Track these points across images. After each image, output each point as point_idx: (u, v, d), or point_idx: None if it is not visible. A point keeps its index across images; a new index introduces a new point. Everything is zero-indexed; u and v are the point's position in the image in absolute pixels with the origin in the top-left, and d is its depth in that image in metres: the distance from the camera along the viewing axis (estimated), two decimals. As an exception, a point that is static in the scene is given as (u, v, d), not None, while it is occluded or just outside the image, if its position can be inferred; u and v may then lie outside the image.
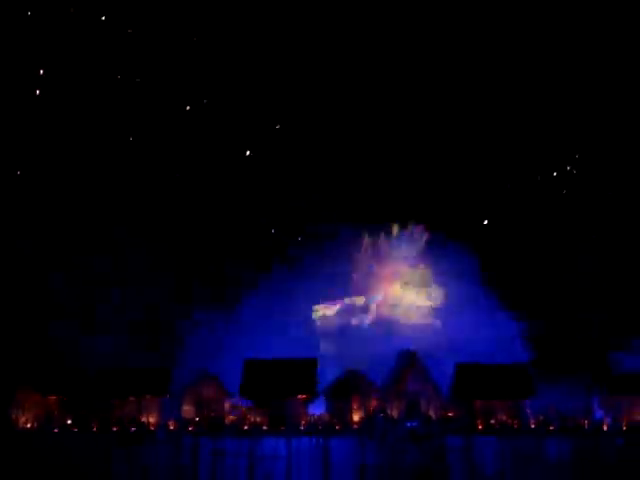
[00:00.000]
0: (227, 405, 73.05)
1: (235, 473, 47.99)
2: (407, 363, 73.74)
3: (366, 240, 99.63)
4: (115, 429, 66.89)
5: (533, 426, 65.48)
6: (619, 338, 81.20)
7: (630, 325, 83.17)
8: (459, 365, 72.78)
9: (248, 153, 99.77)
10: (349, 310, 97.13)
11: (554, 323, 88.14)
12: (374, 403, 70.39)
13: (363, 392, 71.89)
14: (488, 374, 71.63)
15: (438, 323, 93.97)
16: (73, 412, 70.60)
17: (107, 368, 74.76)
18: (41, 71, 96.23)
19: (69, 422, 69.85)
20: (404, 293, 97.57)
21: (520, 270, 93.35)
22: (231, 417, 73.22)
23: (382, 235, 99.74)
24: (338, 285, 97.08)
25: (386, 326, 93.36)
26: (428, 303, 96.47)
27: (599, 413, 68.68)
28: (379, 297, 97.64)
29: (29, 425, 69.68)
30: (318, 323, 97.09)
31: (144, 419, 70.63)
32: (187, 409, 72.80)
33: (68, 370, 74.34)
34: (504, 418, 68.97)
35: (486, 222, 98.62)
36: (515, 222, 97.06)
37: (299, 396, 71.57)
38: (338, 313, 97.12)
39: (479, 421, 65.20)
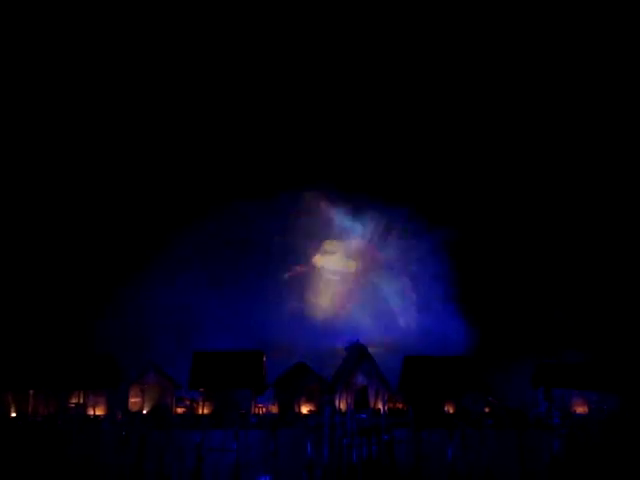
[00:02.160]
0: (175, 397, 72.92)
1: (182, 466, 47.51)
2: (356, 356, 74.13)
3: None
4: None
5: (480, 418, 66.28)
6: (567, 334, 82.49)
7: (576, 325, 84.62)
8: (407, 358, 73.42)
9: None
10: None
11: (502, 316, 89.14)
12: (322, 396, 70.74)
13: (311, 385, 72.18)
14: (435, 367, 72.42)
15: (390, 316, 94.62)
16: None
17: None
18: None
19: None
20: None
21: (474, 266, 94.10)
22: (179, 409, 72.97)
23: None
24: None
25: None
26: None
27: (543, 405, 69.91)
28: None
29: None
30: None
31: (91, 412, 70.02)
32: (134, 401, 72.34)
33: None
34: (450, 410, 69.91)
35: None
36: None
37: (247, 388, 71.68)
38: None
39: (426, 414, 65.84)
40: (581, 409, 70.05)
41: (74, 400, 71.31)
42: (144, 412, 70.19)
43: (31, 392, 70.22)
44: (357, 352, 74.42)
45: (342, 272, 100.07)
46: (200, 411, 70.85)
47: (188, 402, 73.63)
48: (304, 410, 70.94)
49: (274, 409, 72.11)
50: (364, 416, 61.66)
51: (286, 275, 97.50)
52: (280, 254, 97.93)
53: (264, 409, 72.82)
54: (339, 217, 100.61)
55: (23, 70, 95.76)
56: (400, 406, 71.47)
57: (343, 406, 68.93)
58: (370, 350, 75.13)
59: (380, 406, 69.32)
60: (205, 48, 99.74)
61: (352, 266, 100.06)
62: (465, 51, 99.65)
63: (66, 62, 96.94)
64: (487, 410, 71.07)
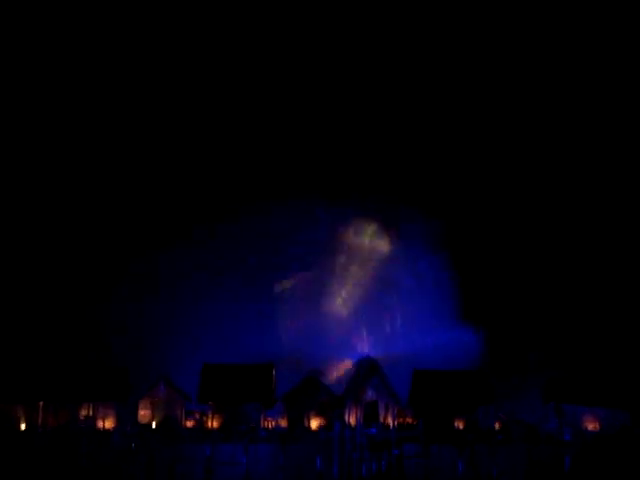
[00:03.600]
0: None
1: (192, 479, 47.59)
2: (366, 370, 74.09)
3: None
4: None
5: (490, 433, 66.05)
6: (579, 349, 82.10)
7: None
8: (416, 371, 73.16)
9: None
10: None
11: (512, 330, 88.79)
12: (332, 410, 70.69)
13: (321, 399, 72.15)
14: (445, 381, 72.11)
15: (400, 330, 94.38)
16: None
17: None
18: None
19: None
20: None
21: (482, 278, 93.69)
22: (188, 422, 73.03)
23: None
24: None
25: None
26: None
27: (554, 420, 69.56)
28: None
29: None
30: None
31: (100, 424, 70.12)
32: (143, 414, 72.44)
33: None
34: (460, 425, 69.65)
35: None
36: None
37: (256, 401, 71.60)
38: None
39: (436, 428, 65.64)
40: (592, 425, 69.69)
41: (84, 412, 71.39)
42: (153, 425, 70.24)
43: (41, 404, 70.27)
44: (367, 366, 74.42)
45: (351, 284, 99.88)
46: (209, 424, 70.84)
47: (198, 415, 73.67)
48: (314, 424, 70.89)
49: (283, 423, 72.08)
50: (374, 430, 61.44)
51: (290, 286, 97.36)
52: (288, 266, 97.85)
53: (273, 423, 72.77)
54: (346, 229, 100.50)
55: (22, 70, 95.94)
56: (410, 420, 71.32)
57: (353, 420, 68.76)
58: (380, 364, 75.11)
59: (390, 420, 69.14)
60: (219, 63, 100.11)
61: (360, 278, 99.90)
62: (459, 50, 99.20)
63: (65, 63, 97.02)
64: (497, 425, 70.77)
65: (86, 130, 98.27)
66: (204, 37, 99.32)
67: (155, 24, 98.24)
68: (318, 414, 71.49)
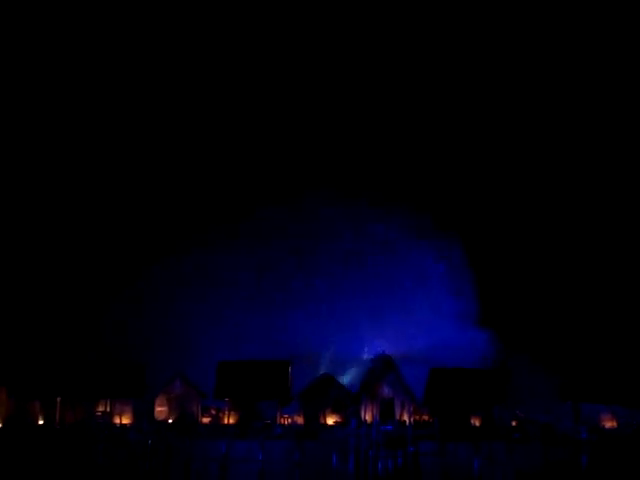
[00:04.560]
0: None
1: (207, 476, 47.75)
2: (382, 368, 73.91)
3: None
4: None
5: (505, 432, 65.79)
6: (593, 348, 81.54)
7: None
8: (432, 370, 73.03)
9: None
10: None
11: (528, 329, 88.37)
12: (348, 407, 70.62)
13: (337, 396, 72.07)
14: (461, 379, 71.94)
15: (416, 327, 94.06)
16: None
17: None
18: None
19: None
20: None
21: (497, 278, 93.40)
22: (204, 419, 73.13)
23: None
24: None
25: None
26: None
27: (571, 419, 69.22)
28: None
29: None
30: None
31: (117, 420, 70.40)
32: (160, 410, 72.63)
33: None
34: (477, 423, 69.42)
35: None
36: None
37: (272, 398, 71.73)
38: None
39: (452, 426, 65.45)
40: (610, 424, 69.22)
41: (101, 408, 71.77)
42: (170, 421, 70.44)
43: (58, 400, 70.71)
44: (383, 363, 74.24)
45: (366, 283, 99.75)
46: (226, 421, 70.99)
47: (214, 412, 73.76)
48: (329, 421, 70.81)
49: (299, 420, 72.07)
50: (390, 428, 61.51)
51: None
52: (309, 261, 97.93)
53: (289, 420, 72.79)
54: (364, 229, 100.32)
55: (21, 70, 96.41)
56: (426, 418, 71.07)
57: (369, 417, 68.75)
58: (395, 361, 74.91)
59: (406, 418, 69.02)
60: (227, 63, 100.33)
61: (377, 277, 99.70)
62: (461, 50, 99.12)
63: (66, 64, 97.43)
64: (514, 423, 70.50)
65: (105, 136, 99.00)
66: (216, 40, 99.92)
67: (157, 27, 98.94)
68: (334, 411, 71.44)
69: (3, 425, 68.85)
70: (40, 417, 70.27)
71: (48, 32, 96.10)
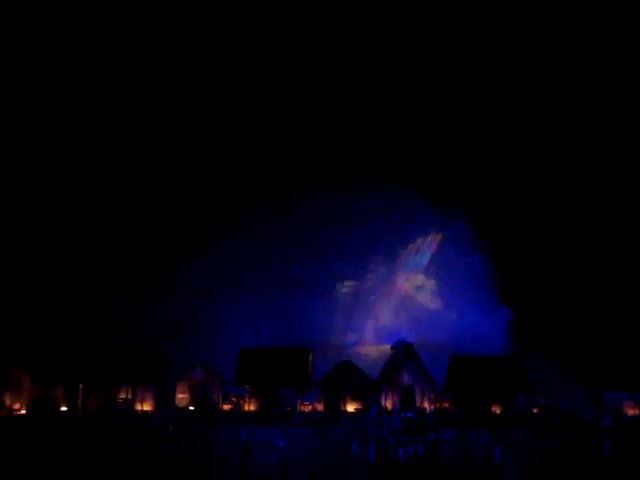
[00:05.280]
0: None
1: (229, 462, 47.90)
2: (402, 355, 73.90)
3: None
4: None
5: (526, 419, 65.60)
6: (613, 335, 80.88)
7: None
8: (453, 357, 72.90)
9: None
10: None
11: (550, 316, 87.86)
12: (368, 394, 70.70)
13: (357, 383, 72.14)
14: (482, 366, 71.76)
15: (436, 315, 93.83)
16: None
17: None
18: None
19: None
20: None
21: (518, 264, 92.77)
22: (225, 406, 73.47)
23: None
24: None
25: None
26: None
27: (592, 407, 68.88)
28: None
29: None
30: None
31: (139, 407, 70.88)
32: (181, 397, 73.04)
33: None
34: (498, 410, 69.26)
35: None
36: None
37: (293, 385, 71.94)
38: None
39: (473, 413, 65.35)
40: (632, 411, 68.81)
41: (122, 395, 72.33)
42: (191, 408, 70.81)
43: (81, 387, 71.34)
44: (403, 351, 74.22)
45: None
46: (246, 408, 71.28)
47: (234, 399, 74.08)
48: (350, 408, 70.94)
49: (320, 407, 72.23)
50: (410, 415, 61.50)
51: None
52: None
53: (310, 407, 72.96)
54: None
55: (22, 70, 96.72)
56: (446, 405, 71.05)
57: (389, 405, 68.85)
58: (416, 349, 74.91)
59: (426, 405, 69.06)
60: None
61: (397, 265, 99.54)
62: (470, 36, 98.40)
63: (65, 64, 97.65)
64: (535, 411, 70.26)
65: (119, 140, 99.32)
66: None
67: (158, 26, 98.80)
68: (354, 398, 71.53)
69: (27, 411, 69.68)
70: (63, 404, 70.98)
71: (48, 32, 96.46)
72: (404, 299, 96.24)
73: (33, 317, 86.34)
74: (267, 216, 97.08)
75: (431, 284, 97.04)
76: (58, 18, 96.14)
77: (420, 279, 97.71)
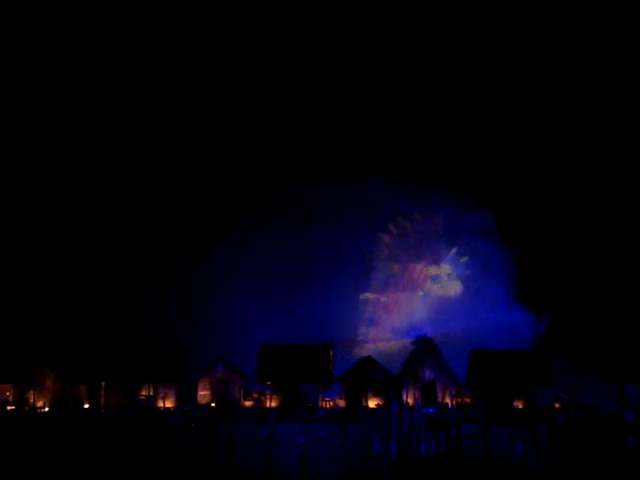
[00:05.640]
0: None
1: (251, 459, 48.02)
2: (424, 350, 73.69)
3: None
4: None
5: (550, 414, 65.19)
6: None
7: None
8: (474, 352, 72.67)
9: None
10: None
11: (571, 310, 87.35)
12: (390, 390, 70.59)
13: (379, 379, 72.05)
14: (503, 361, 71.51)
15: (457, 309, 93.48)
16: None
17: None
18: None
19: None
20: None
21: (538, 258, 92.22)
22: (247, 402, 73.60)
23: None
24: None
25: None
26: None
27: (614, 401, 68.38)
28: None
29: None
30: None
31: (161, 404, 71.20)
32: (203, 394, 73.27)
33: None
34: (520, 405, 68.96)
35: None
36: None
37: (314, 382, 72.01)
38: None
39: (495, 408, 65.05)
40: (655, 405, 68.28)
41: (144, 392, 72.72)
42: (212, 405, 71.00)
43: (103, 384, 71.79)
44: (424, 346, 73.98)
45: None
46: (268, 404, 71.38)
47: (256, 395, 74.21)
48: (371, 404, 70.83)
49: (341, 403, 72.20)
50: (432, 410, 61.36)
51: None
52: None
53: (331, 403, 72.95)
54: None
55: (22, 70, 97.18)
56: (468, 400, 70.76)
57: (410, 400, 68.73)
58: (437, 344, 74.66)
59: (448, 400, 68.84)
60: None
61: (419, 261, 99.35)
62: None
63: (64, 64, 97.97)
64: (557, 405, 69.90)
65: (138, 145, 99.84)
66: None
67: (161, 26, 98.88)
68: (375, 394, 71.42)
69: (50, 408, 70.20)
70: (85, 401, 71.46)
71: (47, 32, 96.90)
72: (424, 292, 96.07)
73: (56, 315, 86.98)
74: (285, 214, 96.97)
75: (452, 277, 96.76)
76: (58, 18, 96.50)
77: (438, 270, 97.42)
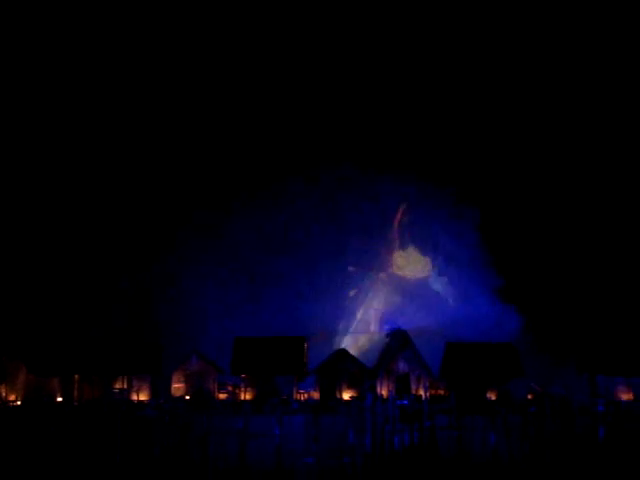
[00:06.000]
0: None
1: (225, 451, 48.01)
2: (398, 343, 74.06)
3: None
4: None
5: (522, 405, 65.75)
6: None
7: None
8: (449, 344, 73.15)
9: None
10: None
11: (545, 302, 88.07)
12: (364, 382, 70.86)
13: (353, 371, 72.29)
14: (476, 353, 72.02)
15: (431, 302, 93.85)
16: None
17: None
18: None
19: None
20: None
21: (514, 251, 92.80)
22: (221, 395, 73.57)
23: None
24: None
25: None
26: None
27: (587, 392, 69.12)
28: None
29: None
30: None
31: (135, 397, 70.98)
32: (177, 387, 73.13)
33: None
34: (493, 397, 69.53)
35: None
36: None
37: (289, 374, 72.11)
38: None
39: (468, 400, 65.52)
40: (626, 396, 69.16)
41: (118, 385, 72.42)
42: (187, 397, 70.92)
43: (76, 377, 71.41)
44: (399, 338, 74.37)
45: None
46: (242, 397, 71.43)
47: (230, 388, 74.20)
48: (345, 396, 71.10)
49: (316, 395, 72.40)
50: (406, 402, 61.65)
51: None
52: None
53: (306, 395, 73.13)
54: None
55: (22, 70, 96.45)
56: (442, 392, 71.25)
57: (385, 392, 69.04)
58: (411, 336, 75.05)
59: (422, 392, 69.23)
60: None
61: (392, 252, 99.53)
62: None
63: (63, 64, 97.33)
64: (530, 397, 70.55)
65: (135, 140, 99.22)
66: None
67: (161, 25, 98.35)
68: (350, 386, 71.70)
69: (22, 402, 69.70)
70: (58, 394, 71.04)
71: (47, 31, 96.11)
72: (399, 285, 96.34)
73: (28, 308, 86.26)
74: (255, 210, 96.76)
75: (428, 270, 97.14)
76: (58, 18, 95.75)
77: (408, 254, 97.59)
